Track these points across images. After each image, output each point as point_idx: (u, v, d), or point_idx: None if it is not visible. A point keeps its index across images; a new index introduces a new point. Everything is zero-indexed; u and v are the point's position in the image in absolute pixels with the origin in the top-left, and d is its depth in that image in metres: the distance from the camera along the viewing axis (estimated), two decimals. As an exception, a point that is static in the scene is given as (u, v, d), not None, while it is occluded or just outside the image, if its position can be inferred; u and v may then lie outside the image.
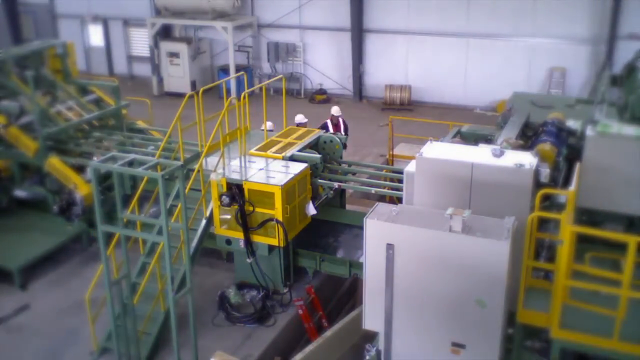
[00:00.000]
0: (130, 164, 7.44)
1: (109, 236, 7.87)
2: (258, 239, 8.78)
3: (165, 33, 23.71)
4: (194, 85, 22.78)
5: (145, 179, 8.71)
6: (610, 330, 5.36)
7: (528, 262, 5.65)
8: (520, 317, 5.83)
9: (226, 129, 9.62)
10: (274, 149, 9.69)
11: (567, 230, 5.26)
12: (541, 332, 5.91)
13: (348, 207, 11.31)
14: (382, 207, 5.92)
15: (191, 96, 9.28)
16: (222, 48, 23.20)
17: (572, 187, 5.82)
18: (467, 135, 8.41)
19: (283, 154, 9.48)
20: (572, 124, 7.42)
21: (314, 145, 10.13)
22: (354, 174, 10.80)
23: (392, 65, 21.60)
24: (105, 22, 25.59)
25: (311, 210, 9.29)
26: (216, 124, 9.01)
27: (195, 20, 22.40)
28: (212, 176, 8.80)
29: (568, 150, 7.00)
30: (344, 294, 10.86)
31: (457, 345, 5.69)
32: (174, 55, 22.81)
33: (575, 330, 5.56)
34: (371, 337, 6.51)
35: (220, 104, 11.09)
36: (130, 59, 25.86)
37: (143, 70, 25.01)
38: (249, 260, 8.97)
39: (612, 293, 5.27)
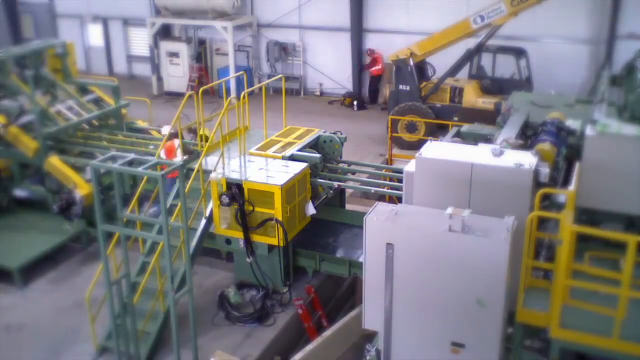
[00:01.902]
0: (130, 163, 7.44)
1: (109, 236, 7.88)
2: (258, 238, 8.78)
3: (165, 33, 23.69)
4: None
5: (145, 178, 8.71)
6: (610, 330, 5.36)
7: (528, 261, 5.65)
8: (520, 317, 5.83)
9: (226, 129, 9.62)
10: (273, 148, 9.69)
11: (567, 230, 5.25)
12: (541, 332, 5.90)
13: (348, 207, 11.31)
14: (382, 207, 5.92)
15: (191, 96, 9.28)
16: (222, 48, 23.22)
17: (572, 187, 5.83)
18: (467, 135, 8.41)
19: (283, 153, 9.48)
20: (572, 124, 7.42)
21: (313, 145, 10.14)
22: (353, 173, 10.79)
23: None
24: (105, 22, 25.58)
25: (311, 210, 9.28)
26: (216, 124, 9.02)
27: (195, 20, 22.39)
28: (212, 176, 8.79)
29: (568, 150, 7.00)
30: (344, 294, 10.86)
31: (457, 345, 5.69)
32: (174, 55, 22.82)
33: (575, 330, 5.56)
34: (371, 337, 6.52)
35: (219, 104, 11.07)
36: (130, 58, 25.85)
37: (143, 70, 25.00)
38: (249, 260, 8.96)
39: (612, 293, 5.27)
